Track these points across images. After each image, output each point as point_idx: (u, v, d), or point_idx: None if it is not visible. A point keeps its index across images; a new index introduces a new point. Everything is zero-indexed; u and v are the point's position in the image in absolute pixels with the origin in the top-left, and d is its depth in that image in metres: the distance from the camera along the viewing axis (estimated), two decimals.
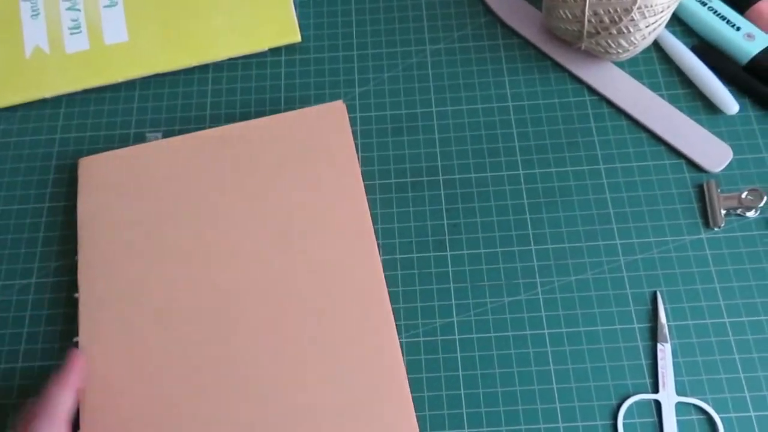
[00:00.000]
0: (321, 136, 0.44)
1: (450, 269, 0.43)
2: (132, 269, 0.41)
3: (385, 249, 0.43)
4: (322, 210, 0.42)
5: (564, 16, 0.45)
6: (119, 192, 0.44)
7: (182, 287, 0.41)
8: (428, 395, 0.40)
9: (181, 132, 0.47)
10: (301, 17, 0.51)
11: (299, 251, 0.41)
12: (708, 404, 0.38)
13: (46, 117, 0.48)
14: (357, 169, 0.43)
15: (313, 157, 0.44)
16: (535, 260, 0.43)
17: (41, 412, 0.35)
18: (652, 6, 0.42)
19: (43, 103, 0.49)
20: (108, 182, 0.44)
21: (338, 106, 0.45)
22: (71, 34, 0.49)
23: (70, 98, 0.49)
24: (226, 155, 0.44)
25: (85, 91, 0.49)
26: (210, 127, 0.47)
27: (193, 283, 0.41)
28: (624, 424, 0.38)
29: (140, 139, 0.47)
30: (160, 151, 0.45)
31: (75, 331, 0.41)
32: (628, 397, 0.39)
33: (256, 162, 0.44)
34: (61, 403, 0.36)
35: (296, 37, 0.50)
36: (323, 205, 0.42)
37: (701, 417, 0.38)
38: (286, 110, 0.48)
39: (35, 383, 0.41)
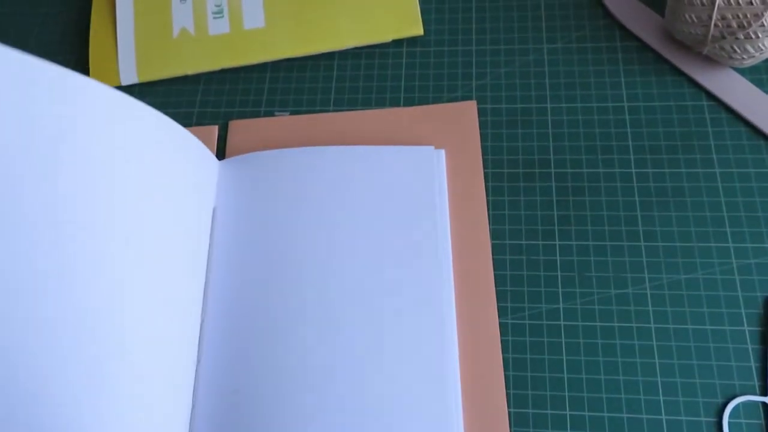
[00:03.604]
0: (451, 133, 0.48)
1: (558, 258, 0.44)
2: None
3: (494, 234, 0.45)
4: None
5: (689, 20, 0.45)
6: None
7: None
8: (531, 375, 0.41)
9: (306, 113, 0.51)
10: (424, 12, 0.54)
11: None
12: None
13: (186, 92, 0.53)
14: (480, 165, 0.47)
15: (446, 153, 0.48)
16: (644, 256, 0.43)
17: None
18: None
19: (184, 79, 0.54)
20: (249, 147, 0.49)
21: (470, 106, 0.49)
22: (214, 18, 0.54)
23: (208, 76, 0.54)
24: (352, 137, 0.48)
25: (222, 71, 0.54)
26: (333, 111, 0.51)
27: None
28: (729, 423, 0.38)
29: (269, 116, 0.51)
30: (290, 125, 0.49)
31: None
32: (734, 397, 0.39)
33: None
34: None
35: (419, 31, 0.52)
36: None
37: None
38: (405, 99, 0.51)
39: None
